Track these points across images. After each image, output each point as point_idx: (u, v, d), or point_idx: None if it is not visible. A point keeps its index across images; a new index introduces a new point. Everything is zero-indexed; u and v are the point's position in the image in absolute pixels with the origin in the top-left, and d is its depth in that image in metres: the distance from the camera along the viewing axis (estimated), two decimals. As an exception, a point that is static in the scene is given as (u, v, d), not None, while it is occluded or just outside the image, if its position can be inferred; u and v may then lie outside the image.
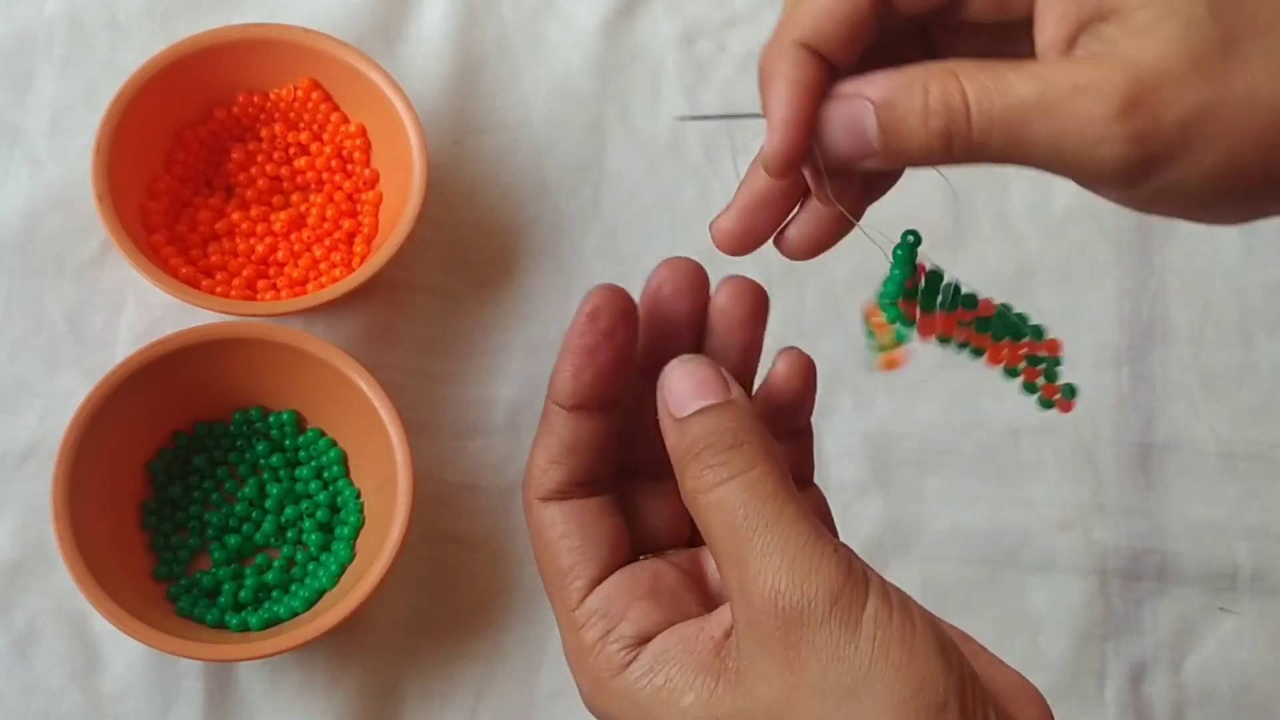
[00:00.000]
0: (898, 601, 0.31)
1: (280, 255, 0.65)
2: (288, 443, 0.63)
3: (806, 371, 0.38)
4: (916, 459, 0.66)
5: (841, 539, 0.68)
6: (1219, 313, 0.68)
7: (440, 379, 0.65)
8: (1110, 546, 0.65)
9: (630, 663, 0.33)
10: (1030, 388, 0.39)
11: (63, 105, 0.68)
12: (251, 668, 0.61)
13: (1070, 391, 0.39)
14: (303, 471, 0.63)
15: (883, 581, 0.31)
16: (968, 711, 0.30)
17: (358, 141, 0.67)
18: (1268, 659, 0.64)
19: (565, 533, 0.35)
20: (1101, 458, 0.66)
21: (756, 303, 0.37)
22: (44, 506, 0.58)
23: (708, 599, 0.35)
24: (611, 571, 0.35)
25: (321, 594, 0.60)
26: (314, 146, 0.67)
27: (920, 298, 0.36)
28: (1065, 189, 0.73)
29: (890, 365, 0.37)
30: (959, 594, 0.64)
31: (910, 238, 0.36)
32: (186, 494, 0.63)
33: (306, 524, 0.62)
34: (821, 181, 0.35)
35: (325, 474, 0.63)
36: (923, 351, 0.68)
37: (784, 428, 0.37)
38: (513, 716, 0.62)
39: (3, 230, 0.66)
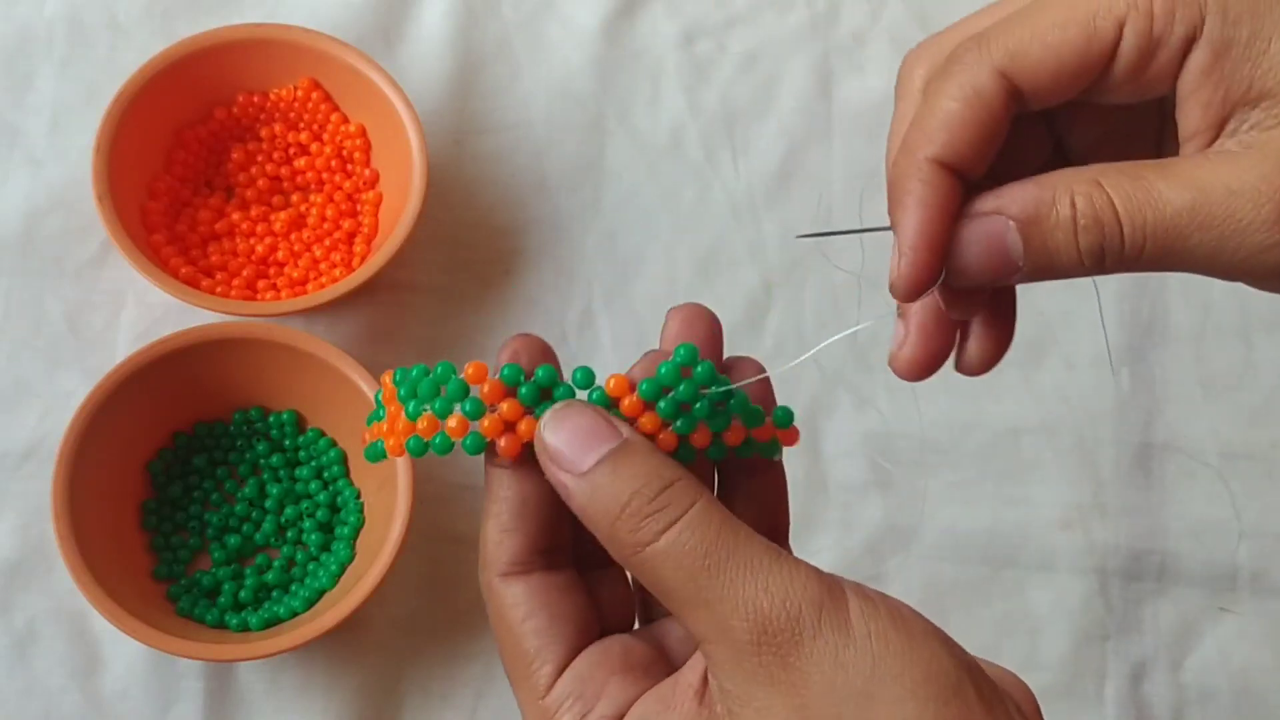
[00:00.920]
0: (876, 595, 0.30)
1: (280, 255, 0.65)
2: (288, 443, 0.63)
3: (701, 321, 0.35)
4: (916, 459, 0.66)
5: (841, 539, 0.68)
6: (1219, 313, 0.68)
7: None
8: (1110, 546, 0.65)
9: None
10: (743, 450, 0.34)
11: (63, 105, 0.68)
12: (251, 668, 0.61)
13: (785, 417, 0.34)
14: (303, 471, 0.63)
15: (853, 582, 0.30)
16: (984, 690, 0.29)
17: (358, 141, 0.67)
18: (1268, 659, 0.64)
19: (529, 613, 0.32)
20: (1101, 458, 0.66)
21: (708, 327, 0.34)
22: (44, 506, 0.58)
23: (675, 671, 0.33)
24: (577, 652, 0.33)
25: (321, 594, 0.60)
26: (314, 146, 0.67)
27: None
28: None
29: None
30: (959, 594, 0.64)
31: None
32: (186, 494, 0.63)
33: (306, 524, 0.62)
34: (949, 298, 0.35)
35: (325, 474, 0.63)
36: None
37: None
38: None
39: (3, 230, 0.66)
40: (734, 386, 0.33)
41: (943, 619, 0.67)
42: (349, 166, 0.67)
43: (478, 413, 0.33)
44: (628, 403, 0.32)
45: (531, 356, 0.33)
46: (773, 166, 0.69)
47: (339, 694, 0.61)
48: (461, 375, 0.33)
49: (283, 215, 0.66)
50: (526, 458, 0.33)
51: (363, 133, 0.67)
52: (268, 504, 0.63)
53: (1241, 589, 0.65)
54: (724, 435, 0.34)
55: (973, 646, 0.67)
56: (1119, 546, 0.65)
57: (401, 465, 0.58)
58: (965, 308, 0.35)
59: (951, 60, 0.34)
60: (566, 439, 0.31)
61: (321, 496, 0.62)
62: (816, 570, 0.30)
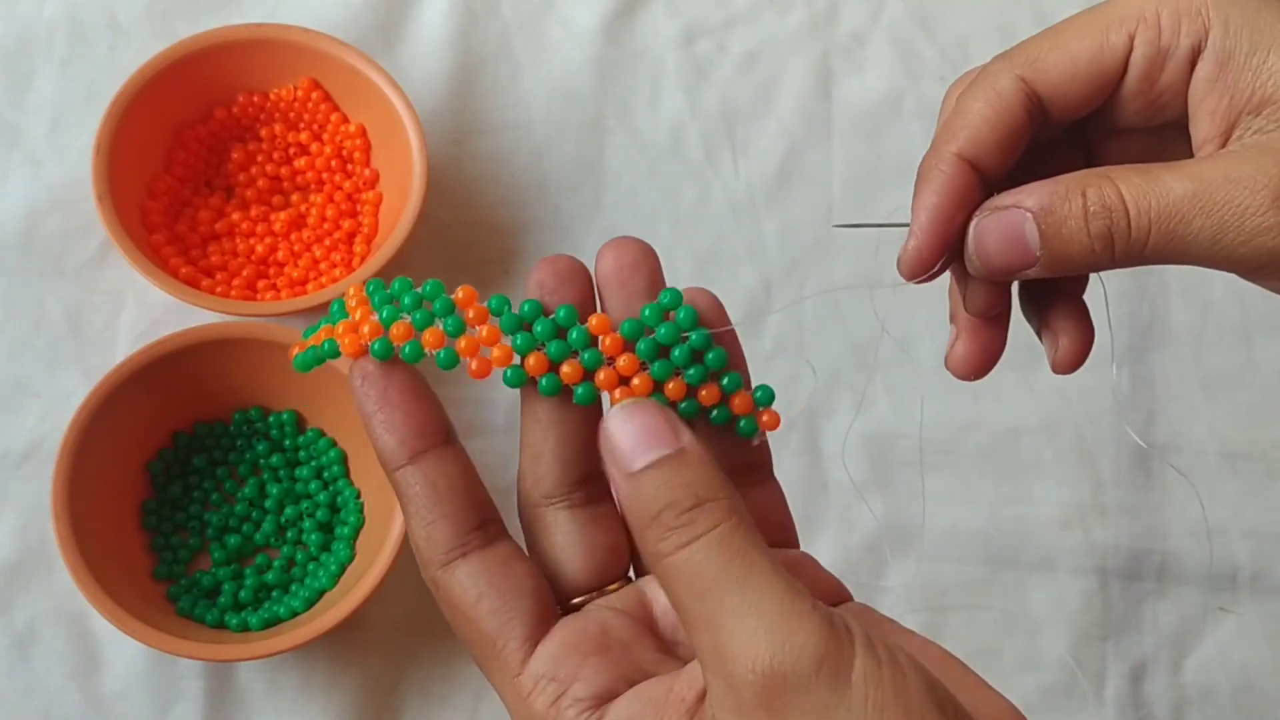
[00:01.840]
0: (886, 655, 0.28)
1: (280, 255, 0.65)
2: (288, 443, 0.63)
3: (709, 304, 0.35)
4: (916, 459, 0.66)
5: (841, 539, 0.68)
6: (1219, 313, 0.68)
7: (440, 379, 0.65)
8: (1110, 546, 0.65)
9: None
10: (720, 414, 0.34)
11: (63, 105, 0.68)
12: (251, 668, 0.61)
13: (766, 396, 0.34)
14: (303, 471, 0.63)
15: (866, 634, 0.29)
16: None
17: (358, 141, 0.67)
18: (1268, 659, 0.64)
19: (480, 595, 0.32)
20: (1101, 458, 0.66)
21: (639, 252, 0.34)
22: (44, 506, 0.58)
23: (661, 642, 0.34)
24: (541, 622, 0.32)
25: (321, 594, 0.60)
26: (314, 146, 0.67)
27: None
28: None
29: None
30: (959, 594, 0.64)
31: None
32: (186, 494, 0.63)
33: (306, 524, 0.62)
34: (968, 292, 0.37)
35: (325, 474, 0.63)
36: (922, 352, 0.68)
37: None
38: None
39: (3, 230, 0.66)
40: (721, 330, 0.34)
41: (943, 619, 0.68)
42: (349, 166, 0.67)
43: (458, 330, 0.33)
44: (609, 341, 0.33)
45: (552, 289, 0.34)
46: (773, 166, 0.69)
47: (339, 694, 0.61)
48: (451, 295, 0.33)
49: (283, 215, 0.66)
50: (435, 443, 0.33)
51: (363, 133, 0.67)
52: (268, 504, 0.63)
53: (1241, 589, 0.65)
54: (699, 394, 0.34)
55: (973, 646, 0.68)
56: (1119, 546, 0.65)
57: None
58: (985, 303, 0.38)
59: (980, 71, 0.37)
60: (627, 434, 0.31)
61: (321, 496, 0.62)
62: (829, 618, 0.28)
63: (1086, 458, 0.66)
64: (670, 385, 0.33)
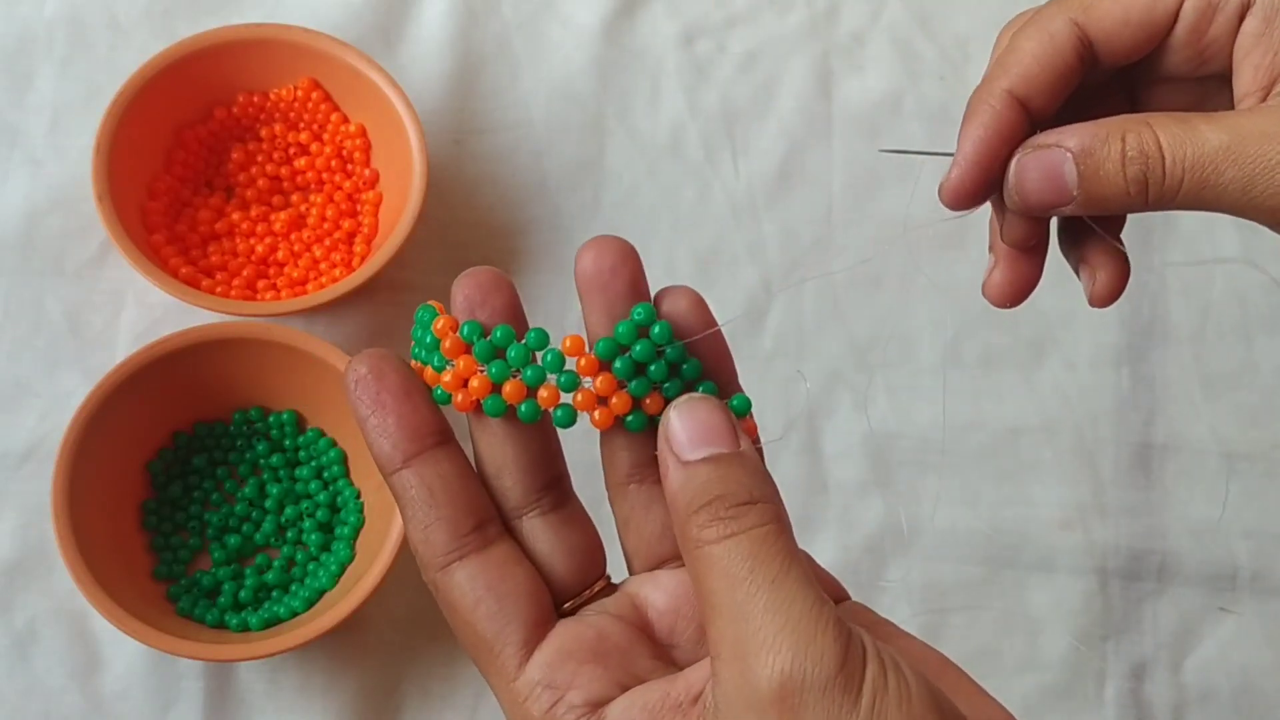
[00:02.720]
0: (891, 664, 0.29)
1: (280, 255, 0.65)
2: (288, 443, 0.63)
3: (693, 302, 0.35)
4: (916, 459, 0.66)
5: (841, 539, 0.68)
6: (1219, 313, 0.68)
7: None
8: (1110, 546, 0.65)
9: None
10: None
11: (63, 105, 0.68)
12: (251, 668, 0.61)
13: (742, 405, 0.34)
14: (303, 471, 0.63)
15: (875, 644, 0.30)
16: None
17: (358, 141, 0.67)
18: (1268, 659, 0.64)
19: (477, 599, 0.32)
20: (1101, 458, 0.66)
21: (619, 255, 0.34)
22: (44, 506, 0.58)
23: (657, 648, 0.34)
24: (537, 626, 0.33)
25: (321, 594, 0.60)
26: (314, 146, 0.67)
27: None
28: (1065, 189, 0.73)
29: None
30: (959, 594, 0.64)
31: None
32: (186, 494, 0.63)
33: (306, 524, 0.62)
34: (1005, 224, 0.39)
35: (325, 474, 0.63)
36: (920, 352, 0.68)
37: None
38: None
39: (3, 230, 0.66)
40: (697, 337, 0.34)
41: (943, 619, 0.68)
42: (349, 166, 0.67)
43: (572, 385, 0.33)
44: (583, 363, 0.33)
45: (479, 302, 0.34)
46: (773, 166, 0.69)
47: (339, 694, 0.61)
48: (557, 345, 0.33)
49: (283, 215, 0.66)
50: (430, 445, 0.33)
51: (363, 133, 0.67)
52: (268, 504, 0.63)
53: (1241, 589, 0.65)
54: None
55: (973, 646, 0.68)
56: (1119, 546, 0.65)
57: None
58: (1021, 236, 0.39)
59: (1034, 12, 0.38)
60: (688, 426, 0.31)
61: (321, 496, 0.62)
62: (849, 630, 0.29)
63: (1086, 458, 0.66)
64: (648, 401, 0.33)
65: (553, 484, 0.35)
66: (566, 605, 0.34)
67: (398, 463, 0.33)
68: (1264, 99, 0.36)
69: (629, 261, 0.34)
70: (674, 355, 0.33)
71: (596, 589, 0.35)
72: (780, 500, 0.31)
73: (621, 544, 0.36)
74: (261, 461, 0.63)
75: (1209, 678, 0.64)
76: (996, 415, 0.66)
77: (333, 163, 0.67)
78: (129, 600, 0.56)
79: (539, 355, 0.33)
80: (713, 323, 0.34)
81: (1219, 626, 0.65)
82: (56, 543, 0.56)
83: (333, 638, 0.60)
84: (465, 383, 0.33)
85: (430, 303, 0.35)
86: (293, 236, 0.66)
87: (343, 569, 0.60)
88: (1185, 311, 0.68)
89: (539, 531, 0.34)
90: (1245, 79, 0.36)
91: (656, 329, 0.33)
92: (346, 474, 0.63)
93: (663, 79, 0.71)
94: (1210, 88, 0.39)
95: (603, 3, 0.71)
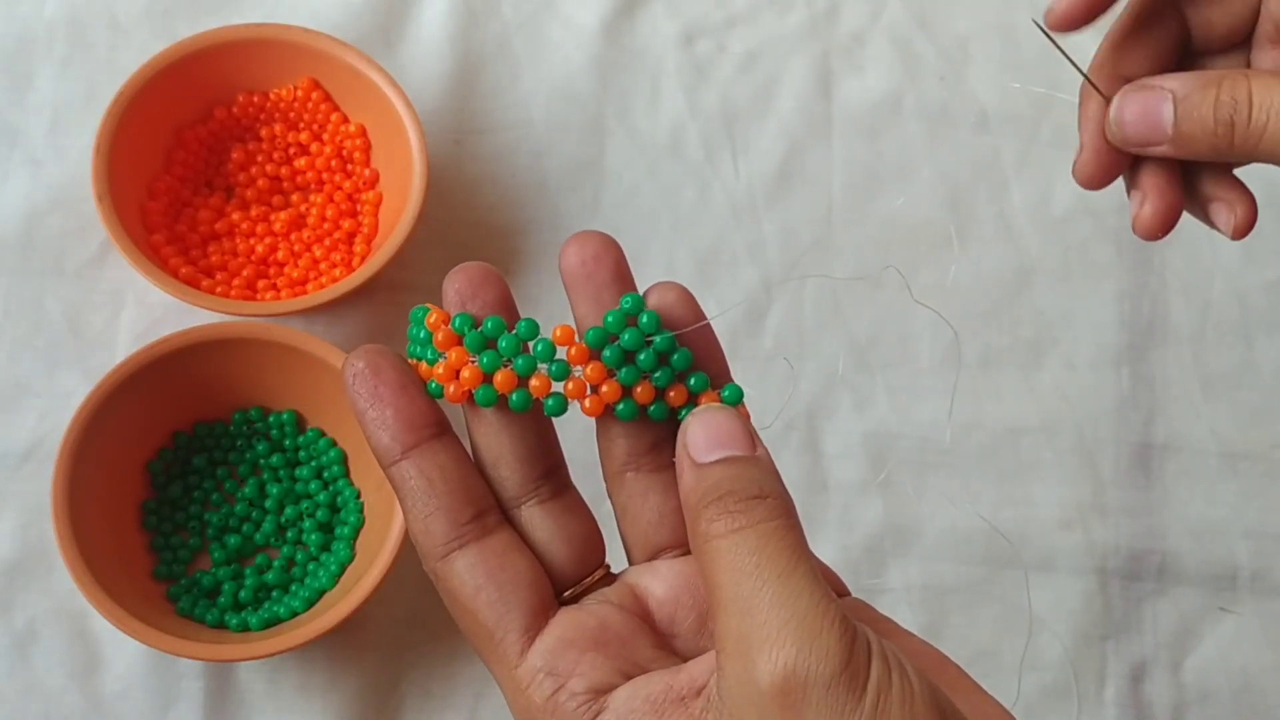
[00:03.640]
0: (895, 664, 0.29)
1: (280, 255, 0.65)
2: (288, 443, 0.63)
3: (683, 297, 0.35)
4: (916, 459, 0.66)
5: (841, 539, 0.68)
6: (1219, 313, 0.68)
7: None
8: (1110, 546, 0.65)
9: (597, 716, 0.31)
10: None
11: (63, 105, 0.68)
12: (251, 668, 0.61)
13: (734, 395, 0.34)
14: (303, 471, 0.63)
15: (880, 642, 0.30)
16: None
17: (358, 141, 0.67)
18: (1268, 659, 0.64)
19: (477, 587, 0.33)
20: (1101, 458, 0.66)
21: (600, 245, 0.34)
22: (44, 506, 0.58)
23: (658, 637, 0.34)
24: (538, 614, 0.33)
25: (321, 594, 0.60)
26: (314, 146, 0.67)
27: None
28: (1066, 189, 0.73)
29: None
30: (959, 594, 0.64)
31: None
32: (186, 494, 0.63)
33: (306, 524, 0.62)
34: (1081, 160, 0.42)
35: (325, 474, 0.63)
36: (919, 353, 0.68)
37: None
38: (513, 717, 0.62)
39: (3, 230, 0.66)
40: (686, 329, 0.34)
41: (943, 619, 0.68)
42: (349, 166, 0.67)
43: (563, 374, 0.33)
44: (573, 351, 0.33)
45: (470, 295, 0.34)
46: (773, 166, 0.69)
47: (339, 694, 0.61)
48: (548, 335, 0.33)
49: (283, 215, 0.66)
50: (428, 436, 0.33)
51: (363, 133, 0.67)
52: (268, 504, 0.63)
53: (1241, 589, 0.65)
54: (668, 395, 0.34)
55: (973, 646, 0.68)
56: (1119, 546, 0.65)
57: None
58: (1105, 169, 0.42)
59: None
60: (706, 431, 0.32)
61: (321, 496, 0.62)
62: (854, 628, 0.29)
63: (1086, 458, 0.66)
64: (639, 389, 0.34)
65: (550, 473, 0.35)
66: (567, 594, 0.35)
67: (396, 454, 0.33)
68: None
69: (611, 250, 0.34)
70: (663, 345, 0.34)
71: (596, 577, 0.35)
72: (790, 498, 0.31)
73: (620, 533, 0.36)
74: (261, 461, 0.63)
75: (1209, 678, 0.64)
76: (996, 415, 0.66)
77: (333, 163, 0.67)
78: (129, 600, 0.56)
79: (530, 345, 0.34)
80: (702, 316, 0.35)
81: (1219, 626, 0.65)
82: (56, 543, 0.56)
83: (333, 638, 0.60)
84: (457, 374, 0.33)
85: (426, 305, 0.35)
86: (293, 236, 0.66)
87: (343, 569, 0.60)
88: (1185, 311, 0.68)
89: (537, 520, 0.34)
90: (1268, 26, 0.40)
91: (644, 318, 0.33)
92: (346, 474, 0.63)
93: (663, 79, 0.71)
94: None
95: (603, 3, 0.71)
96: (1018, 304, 0.68)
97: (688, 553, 0.35)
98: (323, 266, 0.65)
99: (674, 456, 0.33)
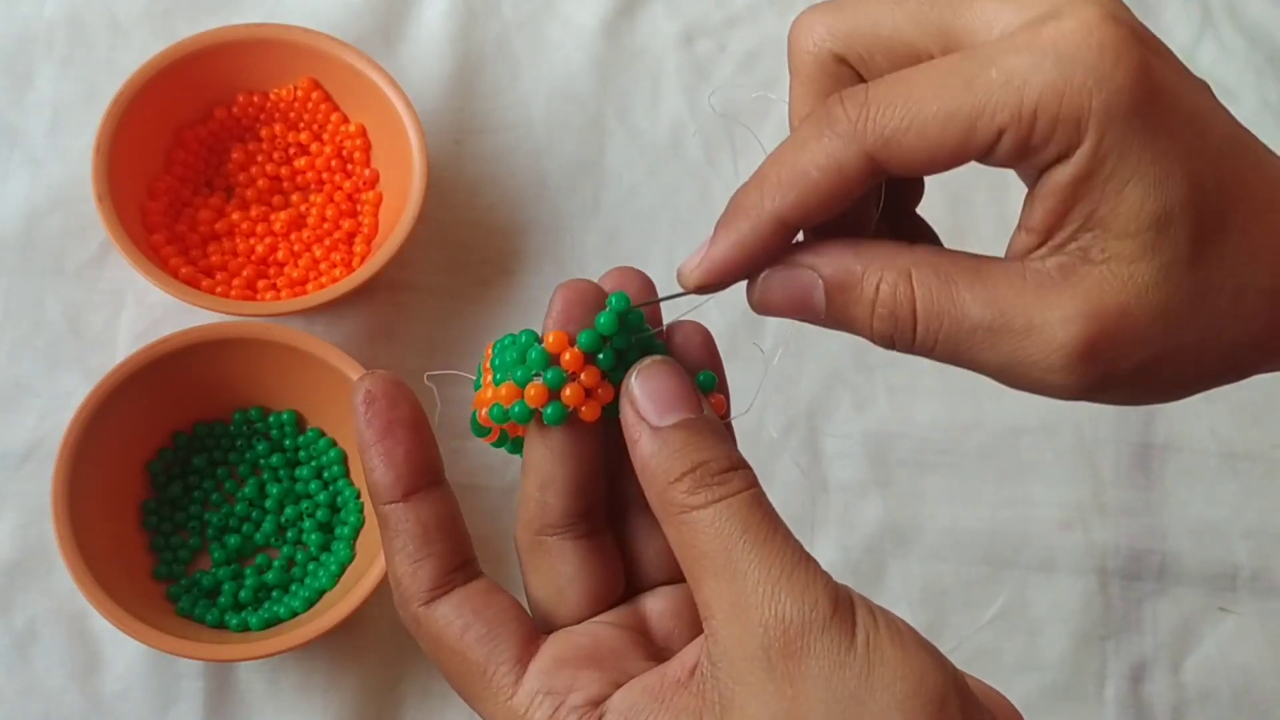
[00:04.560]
0: (878, 610, 0.31)
1: (280, 255, 0.65)
2: (288, 443, 0.63)
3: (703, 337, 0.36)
4: (916, 459, 0.66)
5: (841, 539, 0.68)
6: (1219, 313, 0.68)
7: (440, 379, 0.65)
8: (1110, 546, 0.65)
9: None
10: None
11: (63, 105, 0.68)
12: (251, 668, 0.61)
13: (708, 381, 0.34)
14: (303, 471, 0.63)
15: (860, 595, 0.31)
16: (967, 705, 0.30)
17: (358, 141, 0.67)
18: (1268, 659, 0.64)
19: (465, 626, 0.32)
20: (1101, 458, 0.66)
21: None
22: (44, 506, 0.58)
23: (654, 649, 0.34)
24: (527, 644, 0.33)
25: (321, 594, 0.60)
26: (314, 146, 0.67)
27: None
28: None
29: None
30: (959, 594, 0.64)
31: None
32: (186, 494, 0.63)
33: (306, 524, 0.62)
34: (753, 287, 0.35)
35: (325, 474, 0.63)
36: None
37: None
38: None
39: (3, 230, 0.66)
40: (660, 328, 0.34)
41: (943, 619, 0.68)
42: (349, 166, 0.67)
43: (559, 381, 0.33)
44: (568, 357, 0.33)
45: (583, 315, 0.34)
46: (773, 166, 0.69)
47: (339, 694, 0.61)
48: (542, 344, 0.33)
49: (283, 215, 0.66)
50: (429, 482, 0.33)
51: (363, 133, 0.67)
52: (268, 504, 0.63)
53: (1241, 589, 0.65)
54: None
55: (973, 646, 0.68)
56: (1119, 546, 0.65)
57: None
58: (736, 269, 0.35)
59: (828, 117, 0.33)
60: (652, 391, 0.32)
61: (321, 496, 0.62)
62: (834, 581, 0.31)
63: (1086, 458, 0.66)
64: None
65: (592, 510, 0.35)
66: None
67: (396, 496, 0.33)
68: (1043, 241, 0.32)
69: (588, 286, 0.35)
70: (644, 340, 0.34)
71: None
72: (748, 464, 0.32)
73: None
74: (261, 461, 0.63)
75: (1209, 678, 0.64)
76: (996, 415, 0.66)
77: (333, 163, 0.67)
78: (129, 600, 0.56)
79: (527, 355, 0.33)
80: (654, 296, 0.35)
81: (1219, 626, 0.65)
82: (56, 543, 0.56)
83: (333, 638, 0.60)
84: (586, 394, 0.33)
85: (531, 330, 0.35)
86: (293, 236, 0.66)
87: (343, 569, 0.60)
88: (1185, 311, 0.68)
89: (569, 555, 0.34)
90: (1035, 214, 0.32)
91: (632, 317, 0.33)
92: (346, 474, 0.63)
93: (663, 79, 0.71)
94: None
95: (603, 3, 0.71)
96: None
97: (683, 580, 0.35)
98: (323, 266, 0.65)
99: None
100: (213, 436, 0.63)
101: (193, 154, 0.66)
